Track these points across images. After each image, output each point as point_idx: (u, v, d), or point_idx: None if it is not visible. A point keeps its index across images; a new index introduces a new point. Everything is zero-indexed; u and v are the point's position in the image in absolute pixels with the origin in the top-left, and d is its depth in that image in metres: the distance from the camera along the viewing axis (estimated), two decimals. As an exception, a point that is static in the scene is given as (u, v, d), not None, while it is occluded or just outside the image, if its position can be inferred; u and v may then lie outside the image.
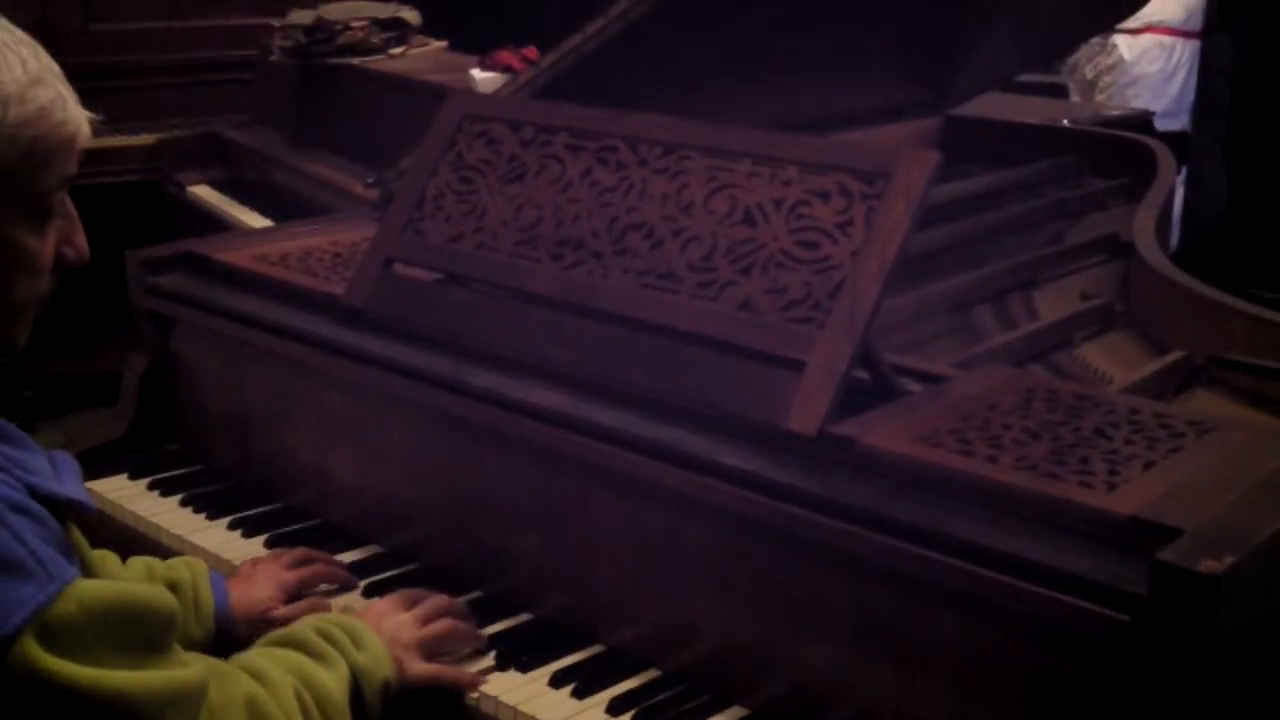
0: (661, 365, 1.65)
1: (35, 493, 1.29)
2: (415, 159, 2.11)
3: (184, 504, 2.09)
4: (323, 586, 1.84)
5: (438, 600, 1.71)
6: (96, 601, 1.26)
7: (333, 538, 1.98)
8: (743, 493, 1.50)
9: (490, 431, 1.76)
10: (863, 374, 1.61)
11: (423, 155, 2.03)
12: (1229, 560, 1.21)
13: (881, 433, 1.50)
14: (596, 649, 1.69)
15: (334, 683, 1.50)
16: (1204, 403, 1.90)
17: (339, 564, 1.89)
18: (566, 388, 1.71)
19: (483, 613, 1.75)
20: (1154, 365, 1.97)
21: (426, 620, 1.67)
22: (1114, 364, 2.03)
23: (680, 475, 1.55)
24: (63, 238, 1.43)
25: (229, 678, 1.40)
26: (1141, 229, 2.46)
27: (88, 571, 1.35)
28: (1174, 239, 6.22)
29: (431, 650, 1.64)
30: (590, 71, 2.22)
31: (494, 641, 1.70)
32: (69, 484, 1.37)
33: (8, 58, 1.33)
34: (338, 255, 2.20)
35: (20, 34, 1.38)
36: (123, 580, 1.62)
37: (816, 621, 1.49)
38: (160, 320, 2.22)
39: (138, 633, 1.29)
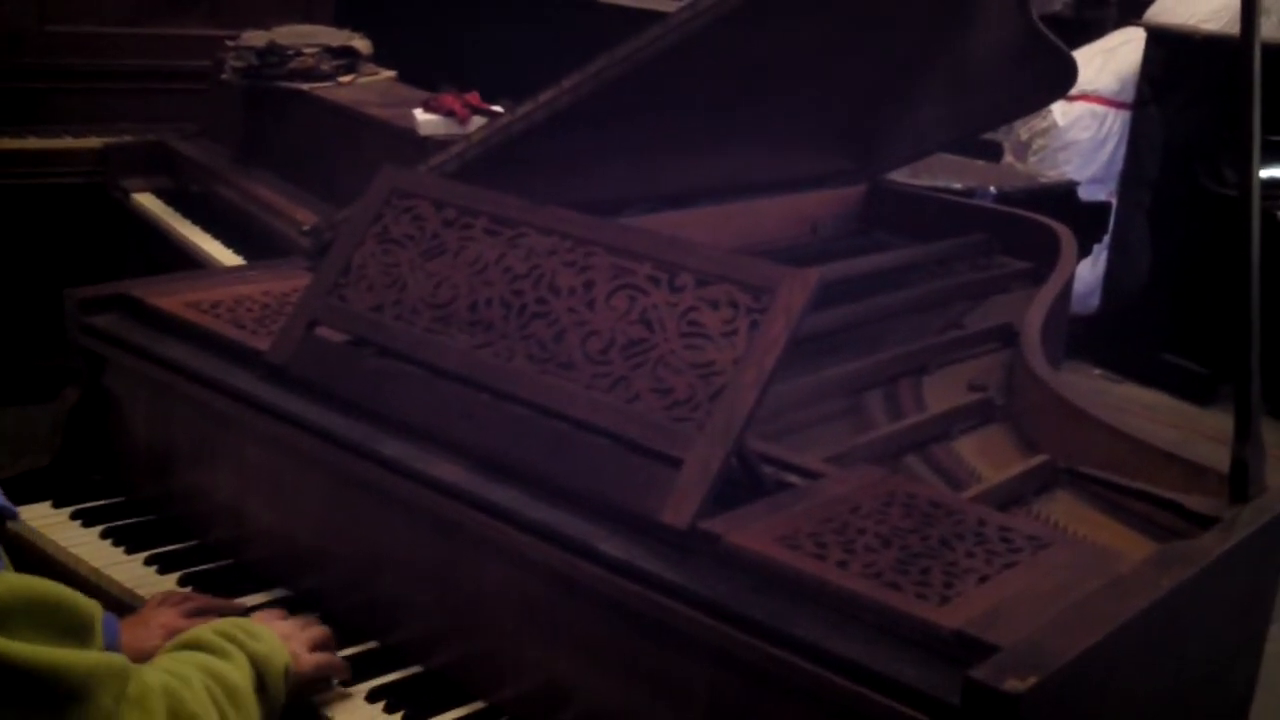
0: (555, 449, 1.79)
1: None
2: (347, 220, 2.23)
3: (104, 536, 2.19)
4: None
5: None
6: (12, 586, 1.32)
7: (244, 579, 2.09)
8: (616, 579, 1.63)
9: (394, 498, 1.88)
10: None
11: (352, 221, 2.16)
12: (1032, 680, 1.35)
13: (746, 531, 1.64)
14: (477, 705, 1.82)
15: (238, 673, 1.63)
16: (1061, 506, 2.04)
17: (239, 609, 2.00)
18: (467, 462, 1.83)
19: (377, 663, 1.88)
20: (1020, 466, 2.11)
21: (304, 626, 1.84)
22: (984, 460, 2.18)
23: (561, 557, 1.68)
24: None
25: (144, 670, 1.48)
26: (1029, 324, 2.61)
27: None
28: (1095, 302, 6.45)
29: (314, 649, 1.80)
30: (519, 149, 2.35)
31: (384, 691, 1.82)
32: None
33: None
34: (267, 306, 2.31)
35: None
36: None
37: (675, 704, 1.62)
38: (94, 357, 2.33)
39: (55, 621, 1.35)
